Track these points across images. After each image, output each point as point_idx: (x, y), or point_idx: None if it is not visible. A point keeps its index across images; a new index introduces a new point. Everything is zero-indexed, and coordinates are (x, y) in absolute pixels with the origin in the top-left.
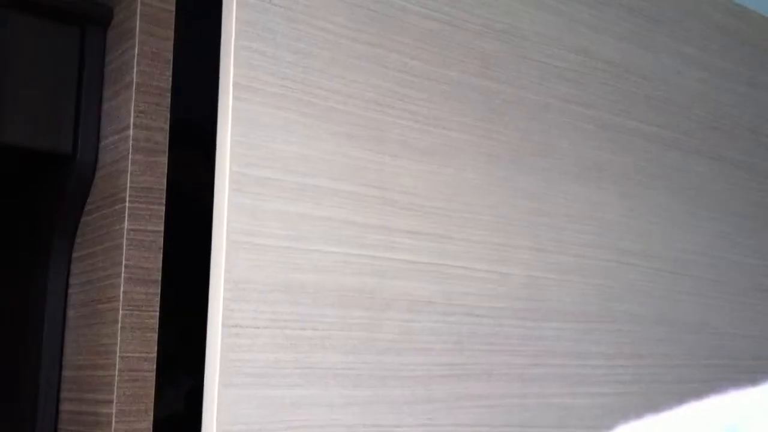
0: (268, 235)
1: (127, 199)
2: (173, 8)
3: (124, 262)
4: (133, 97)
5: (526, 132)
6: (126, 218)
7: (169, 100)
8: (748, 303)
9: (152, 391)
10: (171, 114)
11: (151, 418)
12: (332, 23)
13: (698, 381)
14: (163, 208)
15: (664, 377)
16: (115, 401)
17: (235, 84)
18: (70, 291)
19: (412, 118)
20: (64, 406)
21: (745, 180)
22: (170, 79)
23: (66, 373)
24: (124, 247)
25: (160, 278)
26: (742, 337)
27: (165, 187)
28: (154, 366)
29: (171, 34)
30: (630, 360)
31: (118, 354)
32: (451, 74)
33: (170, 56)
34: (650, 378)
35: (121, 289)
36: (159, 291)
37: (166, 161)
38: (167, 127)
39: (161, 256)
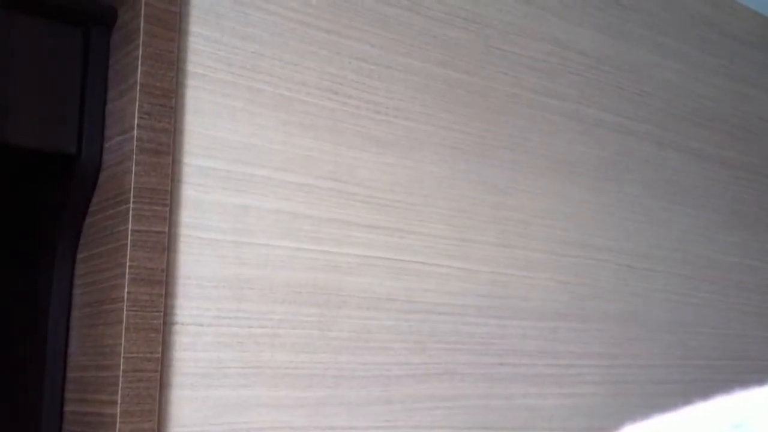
0: (212, 228)
1: (131, 200)
2: (177, 9)
3: (128, 263)
4: (138, 98)
5: (492, 124)
6: (130, 219)
7: (174, 101)
8: (725, 301)
9: (156, 392)
10: None
11: (156, 418)
12: (284, 7)
13: (672, 381)
14: (167, 209)
15: (637, 378)
16: (119, 401)
17: (177, 69)
18: (74, 292)
19: (370, 108)
20: (69, 407)
21: (723, 175)
22: (175, 79)
23: (70, 373)
24: (129, 248)
25: (164, 279)
26: (720, 335)
27: (170, 188)
28: (159, 366)
29: (175, 35)
30: (600, 360)
31: (122, 354)
32: (412, 63)
33: (174, 57)
34: (621, 378)
35: (126, 289)
36: (164, 291)
37: (171, 162)
38: (172, 128)
39: (165, 256)
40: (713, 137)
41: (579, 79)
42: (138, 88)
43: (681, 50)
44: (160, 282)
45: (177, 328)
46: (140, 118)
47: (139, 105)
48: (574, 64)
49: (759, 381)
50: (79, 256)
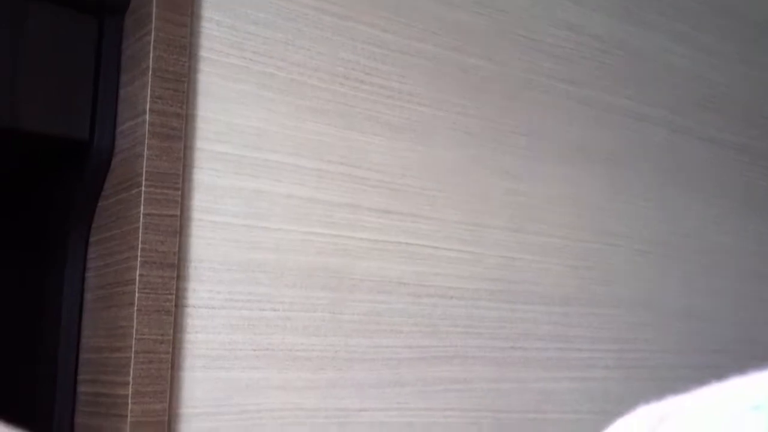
0: (225, 212)
1: (143, 183)
2: None
3: (140, 246)
4: (150, 83)
5: (506, 109)
6: (142, 203)
7: (186, 85)
8: (739, 288)
9: (168, 373)
10: None
11: (168, 399)
12: None
13: (685, 367)
14: (179, 192)
15: (648, 363)
16: (131, 383)
17: (189, 54)
18: (87, 274)
19: (383, 93)
20: (82, 388)
21: (738, 161)
22: (187, 64)
23: (83, 355)
24: (141, 231)
25: (176, 261)
26: (733, 322)
27: (181, 171)
28: (170, 348)
29: (187, 20)
30: (613, 344)
31: (134, 336)
32: (425, 48)
33: (187, 42)
34: (634, 363)
35: (138, 272)
36: (175, 274)
37: (183, 146)
38: (184, 112)
39: (177, 239)
40: (729, 124)
41: (593, 64)
42: (150, 72)
43: (696, 36)
44: (172, 265)
45: (189, 310)
46: (152, 102)
47: (151, 90)
48: (588, 49)
49: None
50: (92, 239)
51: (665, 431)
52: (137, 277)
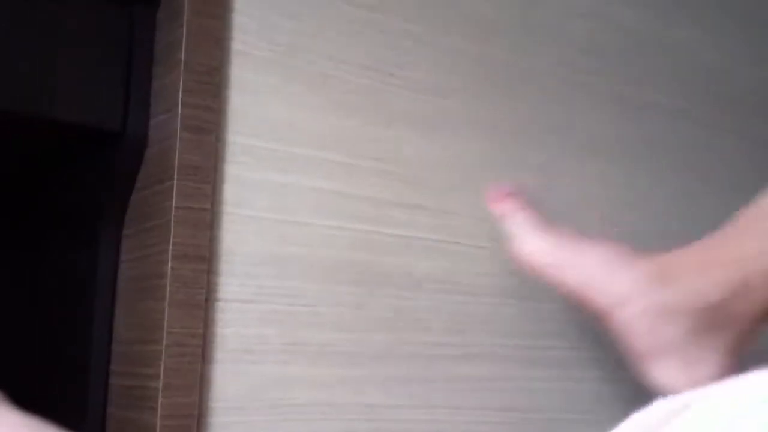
0: (256, 206)
1: (176, 176)
2: None
3: (171, 239)
4: (182, 76)
5: (534, 104)
6: (174, 196)
7: (219, 78)
8: None
9: (198, 367)
10: None
11: (198, 392)
12: None
13: None
14: (211, 186)
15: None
16: (161, 376)
17: (221, 47)
18: (120, 267)
19: (412, 87)
20: (114, 380)
21: None
22: (219, 57)
23: (115, 347)
24: (172, 225)
25: (207, 255)
26: None
27: (213, 165)
28: (201, 341)
29: (221, 12)
30: None
31: (165, 329)
32: (453, 41)
33: (219, 35)
34: None
35: (169, 265)
36: (207, 268)
37: (215, 140)
38: (216, 105)
39: (209, 233)
40: (759, 120)
41: (623, 58)
42: (182, 65)
43: (726, 31)
44: (204, 258)
45: (220, 304)
46: (184, 95)
47: (183, 83)
48: (618, 42)
49: None
50: (125, 232)
51: (687, 417)
52: (168, 271)
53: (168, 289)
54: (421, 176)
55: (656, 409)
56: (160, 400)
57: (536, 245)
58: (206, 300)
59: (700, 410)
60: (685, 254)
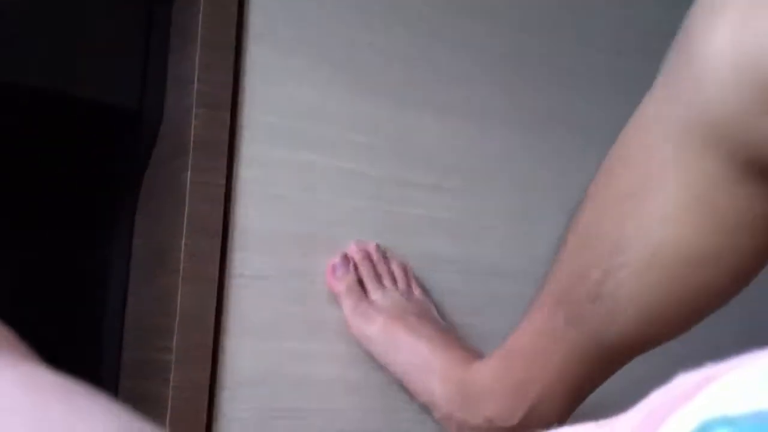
0: (278, 184)
1: (191, 152)
2: None
3: (186, 214)
4: (198, 53)
5: (560, 91)
6: (189, 171)
7: (235, 55)
8: None
9: (211, 340)
10: None
11: (210, 366)
12: None
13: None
14: (225, 162)
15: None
16: (174, 349)
17: (238, 24)
18: (134, 241)
19: (437, 73)
20: (127, 353)
21: None
22: (235, 35)
23: (129, 321)
24: (187, 200)
25: (221, 230)
26: None
27: (228, 140)
28: (214, 316)
29: None
30: None
31: (179, 303)
32: (480, 29)
33: (236, 12)
34: (684, 355)
35: (183, 240)
36: (221, 243)
37: (229, 116)
38: (231, 82)
39: (223, 208)
40: None
41: (649, 51)
42: (199, 41)
43: None
44: (218, 233)
45: (235, 280)
46: (200, 71)
47: (199, 59)
48: (644, 43)
49: None
50: (139, 206)
51: (711, 389)
52: (183, 245)
53: (182, 263)
54: (443, 160)
55: (677, 383)
56: (172, 373)
57: (359, 331)
58: (220, 275)
59: (724, 383)
60: (486, 372)
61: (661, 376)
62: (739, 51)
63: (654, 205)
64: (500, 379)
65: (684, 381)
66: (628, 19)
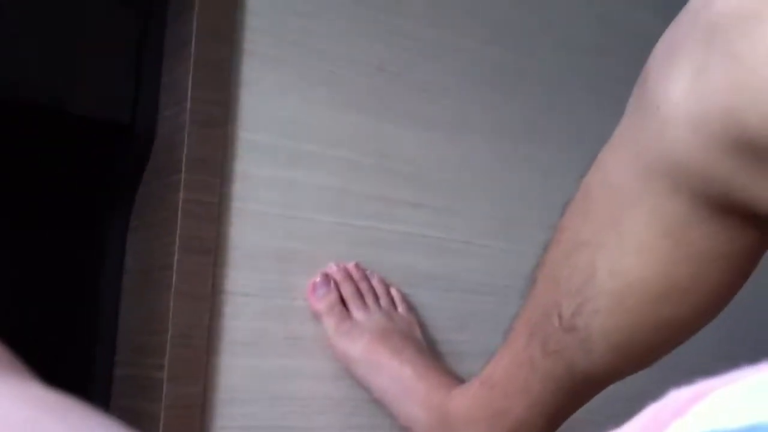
0: (260, 201)
1: (183, 170)
2: None
3: (178, 232)
4: (191, 70)
5: (542, 105)
6: (182, 189)
7: (228, 73)
8: None
9: (204, 357)
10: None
11: (203, 383)
12: None
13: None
14: (218, 180)
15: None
16: (166, 366)
17: (231, 43)
18: (126, 258)
19: (419, 87)
20: (119, 370)
21: None
22: (229, 53)
23: (121, 337)
24: (179, 217)
25: (214, 248)
26: None
27: (221, 159)
28: (206, 333)
29: (231, 7)
30: None
31: (170, 320)
32: (461, 42)
33: (230, 30)
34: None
35: (176, 257)
36: (213, 260)
37: (223, 134)
38: (225, 100)
39: (215, 226)
40: None
41: (632, 60)
42: (192, 60)
43: None
44: (210, 251)
45: (225, 297)
46: (194, 89)
47: (192, 77)
48: (628, 45)
49: None
50: (132, 224)
51: (705, 404)
52: (175, 263)
53: (174, 280)
54: (427, 175)
55: (671, 398)
56: (164, 390)
57: (342, 351)
58: (212, 292)
59: (718, 397)
60: (466, 401)
61: (655, 391)
62: (694, 101)
63: (624, 241)
64: (480, 408)
65: (677, 396)
66: (609, 33)
